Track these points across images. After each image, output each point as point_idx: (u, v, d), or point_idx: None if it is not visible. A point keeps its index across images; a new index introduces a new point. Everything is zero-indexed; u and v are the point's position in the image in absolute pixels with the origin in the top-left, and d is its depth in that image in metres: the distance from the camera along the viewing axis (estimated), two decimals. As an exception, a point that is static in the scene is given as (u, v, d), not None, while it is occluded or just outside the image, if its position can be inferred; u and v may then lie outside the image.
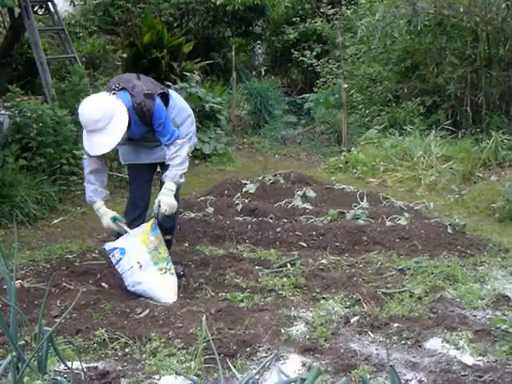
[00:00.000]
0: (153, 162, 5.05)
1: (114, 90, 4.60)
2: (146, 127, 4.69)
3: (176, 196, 4.78)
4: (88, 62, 10.19)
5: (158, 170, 5.43)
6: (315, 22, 13.50)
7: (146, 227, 4.66)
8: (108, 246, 4.68)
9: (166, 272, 4.61)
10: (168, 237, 4.91)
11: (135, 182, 5.12)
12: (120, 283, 4.71)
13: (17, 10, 9.35)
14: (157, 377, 3.50)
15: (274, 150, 10.59)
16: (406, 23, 10.20)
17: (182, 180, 4.80)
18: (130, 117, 4.51)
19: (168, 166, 4.78)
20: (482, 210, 6.90)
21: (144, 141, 4.89)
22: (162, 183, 4.87)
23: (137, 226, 4.74)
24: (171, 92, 5.07)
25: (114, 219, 4.70)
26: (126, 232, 4.70)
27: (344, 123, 10.14)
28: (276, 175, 7.79)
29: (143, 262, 4.53)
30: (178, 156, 4.72)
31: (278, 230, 5.97)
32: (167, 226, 4.88)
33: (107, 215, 4.71)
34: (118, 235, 4.77)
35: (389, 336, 4.00)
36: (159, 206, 4.68)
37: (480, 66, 9.97)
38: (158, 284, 4.55)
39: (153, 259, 4.57)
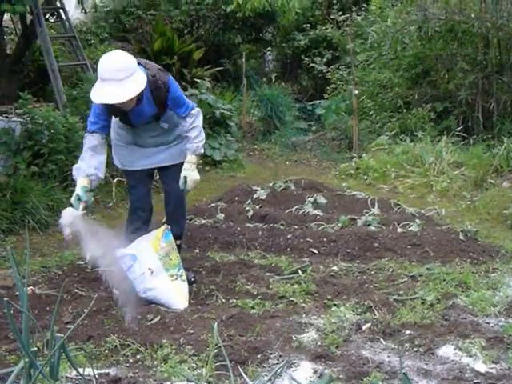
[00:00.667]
0: (150, 167, 5.01)
1: None
2: (155, 107, 4.68)
3: (182, 199, 4.97)
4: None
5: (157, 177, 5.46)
6: (326, 29, 13.51)
7: (158, 233, 4.66)
8: (119, 252, 4.68)
9: (177, 278, 4.61)
10: (177, 242, 4.91)
11: (135, 192, 5.08)
12: (131, 290, 4.71)
13: (28, 18, 9.41)
14: (168, 383, 3.49)
15: (284, 156, 10.59)
16: (416, 29, 10.19)
17: (203, 151, 4.90)
18: (142, 91, 4.47)
19: (165, 168, 4.89)
20: (494, 217, 6.87)
21: (145, 132, 4.84)
22: (164, 184, 4.90)
23: (140, 236, 4.72)
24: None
25: (79, 199, 4.40)
26: (78, 213, 4.37)
27: (355, 129, 10.13)
28: (287, 181, 7.78)
29: (154, 269, 4.53)
30: (195, 127, 4.79)
31: (289, 236, 5.96)
32: (176, 232, 4.88)
33: (75, 191, 4.44)
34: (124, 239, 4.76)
35: (401, 343, 3.98)
36: (185, 182, 4.73)
37: (491, 72, 9.94)
38: (169, 290, 4.55)
39: (164, 265, 4.57)
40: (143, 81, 4.44)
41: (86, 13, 10.86)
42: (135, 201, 5.09)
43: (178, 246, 4.92)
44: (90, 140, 4.57)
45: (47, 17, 9.93)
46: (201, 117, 4.89)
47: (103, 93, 4.35)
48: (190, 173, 4.74)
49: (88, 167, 4.49)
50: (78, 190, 4.42)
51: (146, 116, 4.71)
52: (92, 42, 11.57)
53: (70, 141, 7.33)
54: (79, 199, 4.39)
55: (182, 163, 4.88)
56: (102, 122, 4.62)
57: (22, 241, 6.03)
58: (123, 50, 11.45)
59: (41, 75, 9.87)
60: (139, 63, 4.59)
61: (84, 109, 7.90)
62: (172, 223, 4.87)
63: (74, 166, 4.57)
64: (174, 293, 4.57)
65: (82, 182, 4.45)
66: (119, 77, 4.30)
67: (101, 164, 4.58)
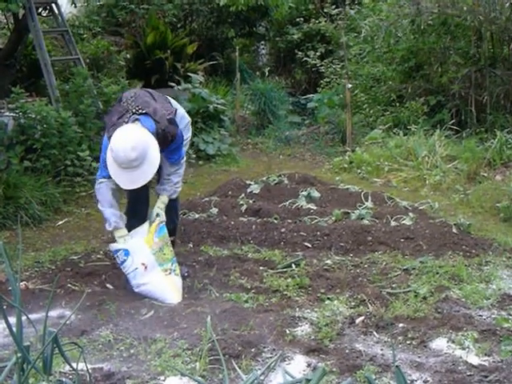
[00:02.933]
0: None
1: (135, 114, 4.56)
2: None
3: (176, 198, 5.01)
4: (92, 64, 10.19)
5: None
6: (319, 23, 13.48)
7: (152, 228, 4.66)
8: (112, 246, 4.68)
9: (170, 273, 4.61)
10: (171, 238, 4.92)
11: (133, 194, 5.08)
12: (125, 284, 4.72)
13: (21, 12, 9.36)
14: (162, 377, 3.50)
15: (278, 150, 10.59)
16: (409, 23, 10.18)
17: (175, 196, 5.03)
18: None
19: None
20: (487, 210, 6.89)
21: None
22: (160, 177, 4.97)
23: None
24: (172, 101, 5.09)
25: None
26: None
27: (348, 123, 10.13)
28: (280, 176, 7.78)
29: (148, 263, 4.54)
30: (177, 174, 4.91)
31: (283, 230, 5.96)
32: (169, 227, 4.89)
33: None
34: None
35: (394, 336, 4.00)
36: (157, 216, 4.79)
37: (484, 65, 9.94)
38: (163, 285, 4.55)
39: (157, 260, 4.58)
40: (157, 154, 4.49)
41: (75, 6, 10.77)
42: (133, 197, 5.10)
43: (172, 242, 4.93)
44: (109, 186, 4.67)
45: (40, 11, 9.87)
46: (183, 166, 5.01)
47: (128, 181, 4.50)
48: (162, 212, 4.82)
49: (121, 212, 4.76)
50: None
51: None
52: (85, 36, 11.50)
53: (63, 135, 7.31)
54: None
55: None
56: None
57: (15, 236, 6.01)
58: (116, 44, 11.46)
59: (33, 70, 9.83)
60: (149, 115, 4.58)
61: (77, 103, 7.89)
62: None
63: (114, 215, 4.66)
64: (168, 287, 4.58)
65: (125, 232, 4.70)
66: (136, 164, 4.40)
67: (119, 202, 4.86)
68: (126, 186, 4.61)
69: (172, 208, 5.04)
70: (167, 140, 4.65)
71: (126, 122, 4.51)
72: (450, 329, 4.06)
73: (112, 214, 4.65)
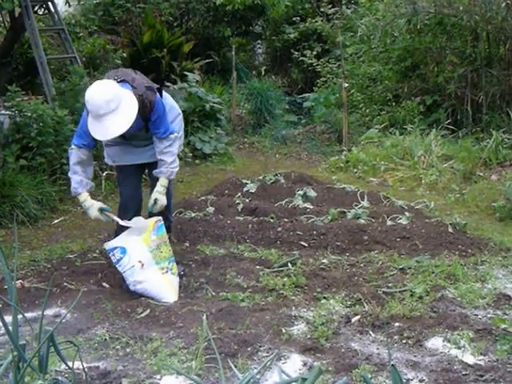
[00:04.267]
0: (142, 162, 5.06)
1: (114, 80, 4.60)
2: (141, 122, 4.69)
3: (168, 191, 4.97)
4: (88, 62, 10.18)
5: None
6: (315, 22, 13.49)
7: (149, 225, 4.64)
8: (108, 245, 4.67)
9: (167, 271, 4.61)
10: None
11: (125, 186, 5.11)
12: (121, 283, 4.72)
13: (17, 10, 9.35)
14: (158, 376, 3.50)
15: (274, 149, 10.59)
16: (406, 22, 10.19)
17: (174, 177, 4.97)
18: None
19: (156, 164, 4.86)
20: (482, 210, 6.90)
21: (135, 140, 4.92)
22: (152, 179, 4.96)
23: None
24: (164, 93, 5.11)
25: (102, 210, 4.70)
26: (114, 221, 4.75)
27: (344, 122, 10.14)
28: (276, 175, 7.79)
29: (145, 261, 4.53)
30: (169, 152, 4.81)
31: (279, 229, 5.97)
32: (166, 225, 4.89)
33: (94, 207, 4.69)
34: (118, 234, 4.77)
35: (390, 335, 4.00)
36: (155, 203, 4.80)
37: (480, 65, 9.96)
38: (159, 283, 4.55)
39: (154, 258, 4.57)
40: (134, 101, 4.48)
41: (69, 5, 10.76)
42: (126, 194, 5.09)
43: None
44: (78, 154, 4.69)
45: (36, 9, 9.88)
46: (177, 144, 4.93)
47: (106, 128, 4.43)
48: (161, 197, 4.82)
49: (87, 179, 4.71)
50: (98, 204, 4.70)
51: (133, 129, 4.71)
52: (81, 34, 11.51)
53: (59, 134, 7.29)
54: (102, 210, 4.70)
55: None
56: (89, 139, 4.67)
57: (11, 234, 6.01)
58: (112, 42, 11.45)
59: (29, 68, 9.83)
60: (127, 81, 4.61)
61: (73, 102, 7.87)
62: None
63: (74, 180, 4.67)
64: (164, 286, 4.58)
65: (87, 196, 4.70)
66: (113, 107, 4.38)
67: (91, 175, 4.81)
68: (102, 137, 4.56)
69: (166, 207, 5.03)
70: (146, 107, 4.61)
71: None
72: (445, 328, 4.06)
73: (73, 180, 4.69)
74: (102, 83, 4.52)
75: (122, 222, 4.69)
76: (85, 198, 4.70)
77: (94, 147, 4.92)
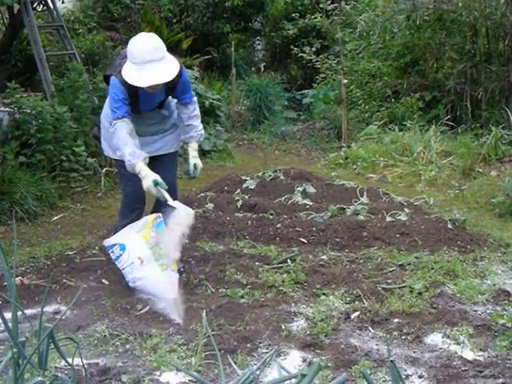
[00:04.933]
0: (149, 154, 4.99)
1: None
2: (163, 94, 4.70)
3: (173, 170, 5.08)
4: (87, 59, 10.17)
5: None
6: (314, 18, 13.48)
7: (148, 222, 4.61)
8: (107, 242, 4.66)
9: (167, 268, 4.59)
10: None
11: (131, 184, 4.87)
12: (120, 280, 4.72)
13: (16, 7, 9.33)
14: (157, 373, 3.50)
15: (273, 145, 10.59)
16: (405, 18, 10.19)
17: (202, 139, 5.07)
18: None
19: (159, 157, 4.82)
20: (482, 205, 6.91)
21: (144, 120, 4.79)
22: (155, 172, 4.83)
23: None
24: None
25: (156, 183, 4.46)
26: (165, 199, 4.51)
27: (344, 119, 10.14)
28: (276, 171, 7.78)
29: (144, 258, 4.51)
30: (196, 116, 4.89)
31: (278, 226, 5.97)
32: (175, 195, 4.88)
33: (149, 177, 4.44)
34: (117, 230, 4.75)
35: (389, 331, 4.01)
36: (195, 168, 4.86)
37: (480, 61, 9.95)
38: (159, 280, 4.54)
39: (154, 255, 4.55)
40: (175, 60, 4.55)
41: (63, 2, 10.73)
42: (131, 193, 4.94)
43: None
44: (124, 125, 4.49)
45: (34, 6, 9.86)
46: (198, 106, 5.00)
47: (151, 75, 4.36)
48: (198, 160, 4.92)
49: (139, 149, 4.51)
50: (154, 175, 4.44)
51: (154, 102, 4.73)
52: (80, 31, 11.47)
53: (58, 131, 7.29)
54: (156, 183, 4.45)
55: (175, 153, 5.04)
56: (127, 106, 4.56)
57: (10, 231, 6.02)
58: (111, 39, 11.43)
59: (28, 65, 9.81)
60: None
61: (72, 99, 7.87)
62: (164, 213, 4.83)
63: (128, 152, 4.43)
64: (164, 282, 4.57)
65: (144, 166, 4.46)
66: (159, 56, 4.38)
67: (139, 145, 4.58)
68: (144, 83, 4.39)
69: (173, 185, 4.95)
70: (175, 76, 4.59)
71: None
72: (444, 324, 4.07)
73: (126, 151, 4.46)
74: (147, 34, 4.57)
75: (171, 202, 4.51)
76: (140, 167, 4.46)
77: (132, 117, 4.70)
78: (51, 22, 9.80)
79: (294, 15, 14.16)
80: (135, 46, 4.42)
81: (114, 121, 4.52)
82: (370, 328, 4.08)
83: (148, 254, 4.53)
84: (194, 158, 4.89)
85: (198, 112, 4.92)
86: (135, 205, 4.96)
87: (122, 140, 4.48)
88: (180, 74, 4.63)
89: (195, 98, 4.93)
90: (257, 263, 5.21)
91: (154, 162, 4.83)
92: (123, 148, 4.48)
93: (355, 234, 5.79)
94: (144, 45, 4.40)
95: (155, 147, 4.88)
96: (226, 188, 7.27)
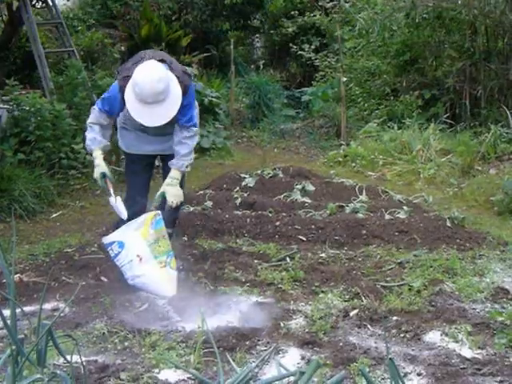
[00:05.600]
0: (155, 153, 5.02)
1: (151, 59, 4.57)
2: None
3: (181, 185, 4.84)
4: (86, 56, 10.16)
5: (157, 163, 5.43)
6: (314, 16, 13.47)
7: (147, 219, 4.61)
8: (106, 239, 4.65)
9: (165, 265, 4.59)
10: (169, 230, 4.88)
11: (135, 179, 5.04)
12: (119, 277, 4.71)
13: (15, 4, 9.33)
14: (156, 370, 3.50)
15: (272, 143, 10.59)
16: (404, 16, 10.19)
17: (188, 169, 4.87)
18: None
19: (168, 157, 4.81)
20: (481, 204, 6.91)
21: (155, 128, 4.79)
22: (164, 172, 4.90)
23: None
24: None
25: (104, 175, 4.61)
26: (109, 193, 4.64)
27: (343, 117, 10.14)
28: (275, 169, 7.78)
29: (143, 255, 4.51)
30: (186, 144, 4.74)
31: (277, 223, 5.96)
32: (171, 218, 4.86)
33: (99, 168, 4.61)
34: (116, 227, 4.75)
35: (388, 329, 4.01)
36: (165, 197, 4.71)
37: (479, 59, 9.95)
38: (158, 277, 4.54)
39: (153, 252, 4.55)
40: (179, 91, 4.49)
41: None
42: (134, 187, 5.03)
43: (169, 235, 4.89)
44: (97, 116, 4.65)
45: (34, 3, 9.86)
46: (196, 140, 4.87)
47: (153, 116, 4.44)
48: (171, 188, 4.71)
49: (101, 138, 4.63)
50: (104, 168, 4.58)
51: None
52: (79, 28, 11.48)
53: (57, 128, 7.29)
54: (104, 176, 4.58)
55: None
56: (115, 109, 4.66)
57: (9, 228, 6.00)
58: (110, 36, 11.42)
59: (27, 62, 9.81)
60: (165, 62, 4.59)
61: (71, 96, 7.87)
62: (169, 210, 4.83)
63: (88, 137, 4.63)
64: (163, 280, 4.57)
65: (99, 155, 4.59)
66: (161, 98, 4.39)
67: (108, 137, 4.74)
68: (150, 123, 4.50)
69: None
70: (181, 91, 4.58)
71: None
72: (443, 322, 4.07)
73: (87, 137, 4.66)
74: (155, 69, 4.44)
75: (112, 199, 4.61)
76: (96, 155, 4.60)
77: (116, 115, 4.82)
78: (50, 19, 9.80)
79: (293, 13, 14.15)
80: (142, 87, 4.38)
81: (96, 107, 4.68)
82: (369, 326, 4.07)
83: (147, 251, 4.53)
84: (165, 186, 4.72)
85: (190, 142, 4.75)
86: (137, 198, 4.98)
87: (88, 125, 4.68)
88: (185, 93, 4.60)
89: (195, 129, 4.79)
90: (256, 261, 5.21)
91: (163, 162, 4.96)
92: (88, 132, 4.66)
93: (354, 231, 5.79)
94: (148, 88, 4.36)
95: (164, 146, 4.95)
96: (224, 186, 7.27)
